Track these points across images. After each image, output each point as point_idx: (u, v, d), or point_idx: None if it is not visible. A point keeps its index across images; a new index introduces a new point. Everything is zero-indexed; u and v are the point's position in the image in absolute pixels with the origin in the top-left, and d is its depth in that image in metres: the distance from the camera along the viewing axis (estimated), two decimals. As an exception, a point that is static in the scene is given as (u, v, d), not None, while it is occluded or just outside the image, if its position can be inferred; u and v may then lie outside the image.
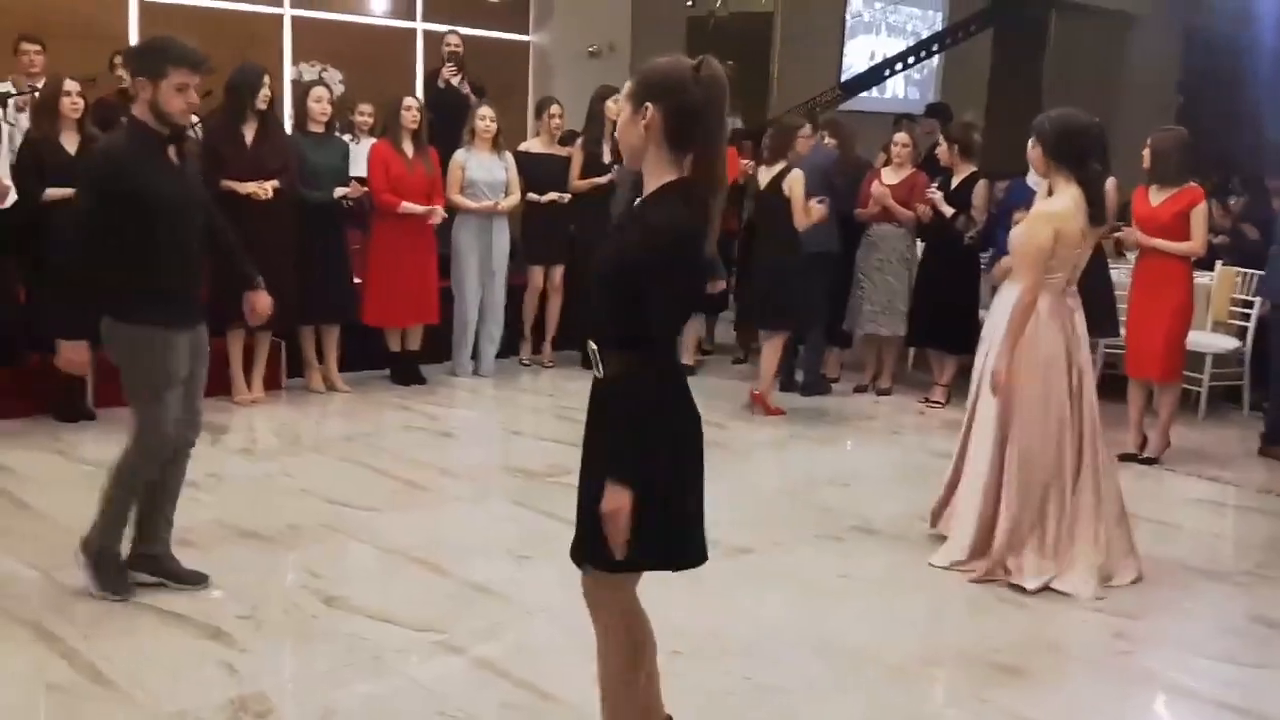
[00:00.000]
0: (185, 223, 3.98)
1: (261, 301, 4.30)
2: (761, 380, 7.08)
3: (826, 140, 7.80)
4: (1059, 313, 4.44)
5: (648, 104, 2.58)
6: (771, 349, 7.03)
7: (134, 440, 3.99)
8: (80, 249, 3.89)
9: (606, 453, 2.63)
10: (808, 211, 6.72)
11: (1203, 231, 6.10)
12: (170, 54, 3.88)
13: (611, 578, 2.72)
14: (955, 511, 4.73)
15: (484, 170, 7.36)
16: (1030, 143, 4.49)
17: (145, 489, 4.07)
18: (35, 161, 5.86)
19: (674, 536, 2.69)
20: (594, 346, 2.68)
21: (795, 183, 6.80)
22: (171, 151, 3.99)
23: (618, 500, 2.53)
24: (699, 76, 2.59)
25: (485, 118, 7.42)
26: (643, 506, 2.55)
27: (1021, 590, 4.36)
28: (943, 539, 4.76)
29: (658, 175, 2.63)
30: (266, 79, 6.49)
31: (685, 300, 2.71)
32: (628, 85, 2.67)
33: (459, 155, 7.32)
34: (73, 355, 3.99)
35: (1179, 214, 6.04)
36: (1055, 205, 4.39)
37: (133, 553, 4.13)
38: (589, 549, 2.69)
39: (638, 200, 2.68)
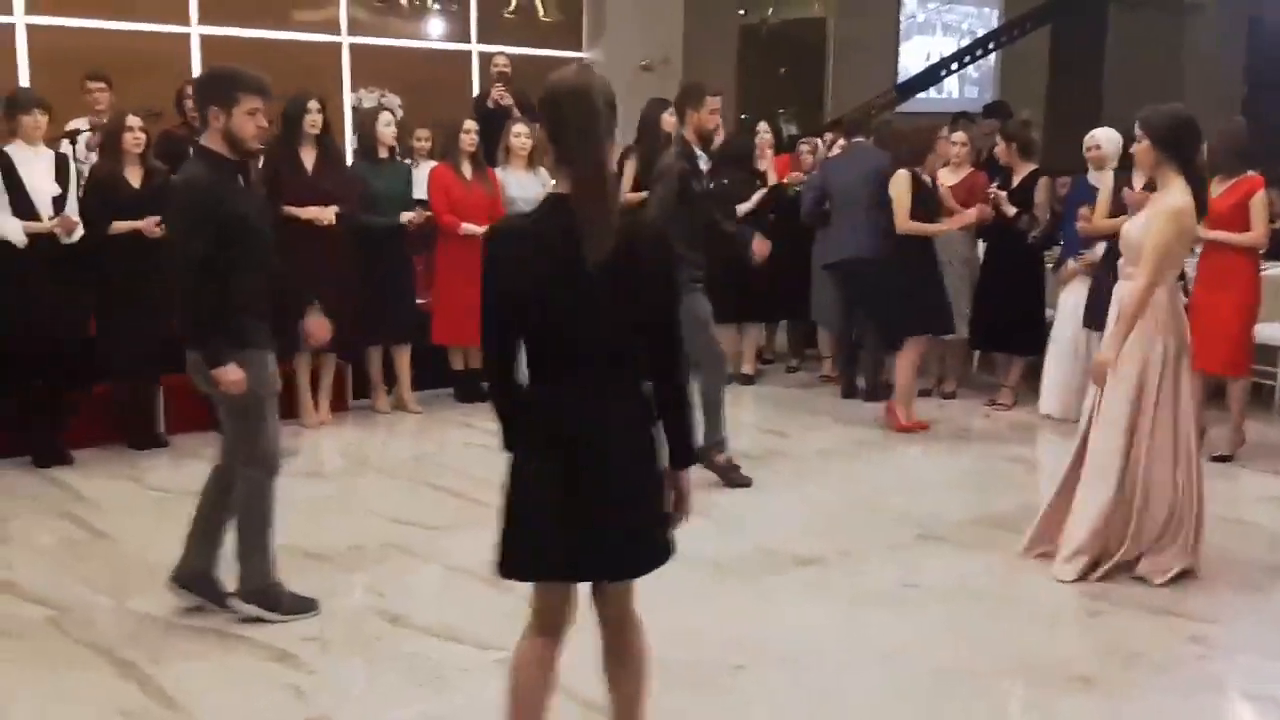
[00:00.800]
0: (265, 245, 4.07)
1: (319, 325, 4.37)
2: (899, 393, 6.84)
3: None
4: (1175, 308, 4.44)
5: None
6: (905, 361, 6.79)
7: (250, 464, 4.05)
8: (192, 281, 3.91)
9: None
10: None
11: (1263, 220, 5.95)
12: (240, 81, 3.97)
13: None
14: (1074, 518, 4.58)
15: (521, 188, 7.29)
16: (1136, 137, 4.43)
17: (265, 510, 4.11)
18: (100, 196, 5.98)
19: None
20: None
21: (899, 185, 6.67)
22: (240, 178, 4.08)
23: None
24: (563, 84, 2.63)
25: (520, 134, 7.38)
26: None
27: (1102, 596, 4.30)
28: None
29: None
30: (313, 105, 6.50)
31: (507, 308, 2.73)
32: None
33: (496, 173, 7.31)
34: (232, 375, 3.91)
35: (1237, 204, 5.91)
36: (1179, 201, 4.33)
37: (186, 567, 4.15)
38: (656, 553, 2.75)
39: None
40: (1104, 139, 6.73)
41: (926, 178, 6.61)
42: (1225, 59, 15.15)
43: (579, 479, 2.64)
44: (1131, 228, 4.53)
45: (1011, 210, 7.15)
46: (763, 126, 8.40)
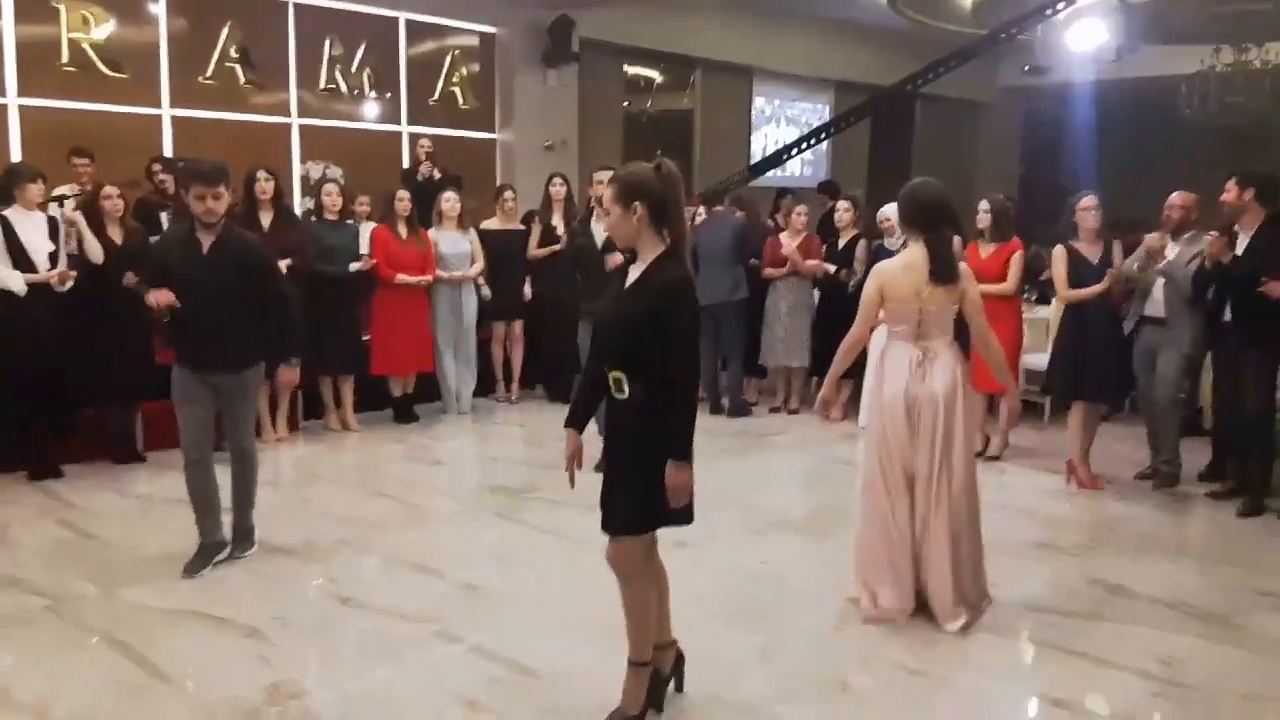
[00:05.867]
0: (204, 297, 4.28)
1: (288, 375, 4.73)
2: (1076, 450, 6.00)
3: (738, 213, 8.02)
4: (903, 360, 3.96)
5: (635, 203, 2.92)
6: (1078, 419, 5.99)
7: (253, 459, 4.60)
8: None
9: (656, 449, 2.90)
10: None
11: (1018, 274, 6.29)
12: (189, 175, 4.35)
13: (638, 539, 3.04)
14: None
15: (451, 245, 7.41)
16: (984, 206, 4.37)
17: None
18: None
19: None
20: (618, 375, 2.95)
21: (1058, 260, 5.95)
22: (206, 242, 4.30)
23: (687, 474, 2.92)
24: (661, 175, 2.96)
25: (449, 200, 7.50)
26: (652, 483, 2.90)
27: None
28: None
29: (650, 249, 2.97)
30: (261, 174, 6.50)
31: (698, 328, 2.97)
32: (612, 189, 2.98)
33: (430, 234, 7.39)
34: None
35: (1004, 262, 6.27)
36: (888, 263, 4.09)
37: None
38: (622, 519, 3.01)
39: (634, 270, 3.00)
40: (892, 213, 7.05)
41: (1079, 247, 5.91)
42: (1006, 145, 15.93)
43: None
44: None
45: (832, 268, 7.53)
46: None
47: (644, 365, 2.90)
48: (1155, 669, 3.63)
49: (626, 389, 2.93)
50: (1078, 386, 5.94)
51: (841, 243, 7.67)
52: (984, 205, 6.34)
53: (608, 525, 3.04)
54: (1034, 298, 8.11)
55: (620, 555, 3.05)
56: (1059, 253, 5.94)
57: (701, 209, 8.46)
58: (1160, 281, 5.70)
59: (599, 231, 5.84)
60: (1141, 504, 5.68)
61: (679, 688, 3.31)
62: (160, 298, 4.32)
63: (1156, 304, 5.75)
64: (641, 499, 2.95)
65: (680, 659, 3.32)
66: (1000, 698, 3.45)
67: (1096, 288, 5.74)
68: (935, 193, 4.00)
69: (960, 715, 3.28)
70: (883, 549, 4.03)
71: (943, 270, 3.90)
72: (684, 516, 3.00)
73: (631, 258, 3.03)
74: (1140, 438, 6.14)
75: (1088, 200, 5.90)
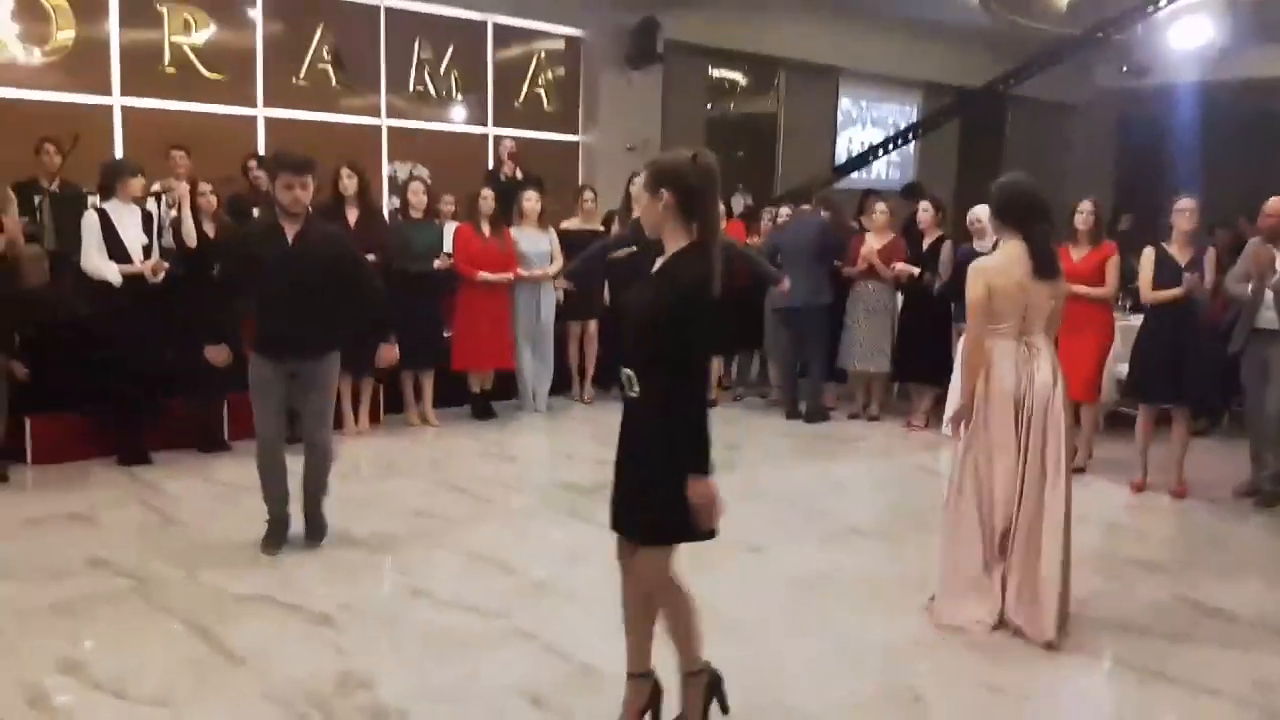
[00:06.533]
0: (287, 285, 4.32)
1: (390, 353, 4.81)
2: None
3: (823, 213, 7.87)
4: (1013, 359, 3.85)
5: (662, 189, 2.73)
6: (1140, 421, 5.90)
7: (328, 451, 4.62)
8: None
9: (670, 455, 2.69)
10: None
11: (1115, 278, 6.03)
12: (278, 162, 4.40)
13: (663, 550, 2.83)
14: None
15: (531, 244, 7.41)
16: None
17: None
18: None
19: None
20: (629, 373, 2.77)
21: (1145, 262, 5.84)
22: (290, 232, 4.37)
23: (707, 489, 2.69)
24: (695, 165, 2.74)
25: (530, 199, 7.49)
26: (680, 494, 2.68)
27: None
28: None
29: (675, 241, 2.76)
30: (344, 171, 6.60)
31: (716, 332, 2.78)
32: (643, 175, 2.82)
33: (511, 232, 7.40)
34: (215, 354, 4.60)
35: (1097, 265, 6.02)
36: (988, 260, 3.95)
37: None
38: (640, 530, 2.83)
39: (660, 260, 2.79)
40: (984, 214, 6.84)
41: (1170, 250, 5.75)
42: (1100, 148, 15.39)
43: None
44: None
45: (916, 271, 7.30)
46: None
47: (654, 363, 2.70)
48: (1253, 695, 3.41)
49: (636, 388, 2.75)
50: (1141, 388, 5.80)
51: (925, 244, 7.46)
52: (1086, 206, 6.07)
53: (623, 529, 2.88)
54: (1129, 305, 7.79)
55: (645, 567, 2.85)
56: (1147, 254, 5.77)
57: (785, 210, 8.34)
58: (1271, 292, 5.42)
59: None
60: (1242, 522, 5.40)
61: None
62: (218, 356, 4.50)
63: (1268, 314, 5.47)
64: (660, 510, 2.73)
65: (657, 692, 3.00)
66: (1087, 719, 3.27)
67: (1175, 291, 5.56)
68: (1029, 187, 3.93)
69: (1041, 735, 3.13)
70: (971, 557, 3.88)
71: (1048, 263, 3.84)
72: (705, 532, 2.77)
73: (652, 248, 2.83)
74: (1241, 456, 5.84)
75: (1185, 202, 5.67)
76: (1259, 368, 5.54)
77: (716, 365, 8.33)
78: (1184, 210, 5.66)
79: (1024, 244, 3.83)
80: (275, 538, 4.55)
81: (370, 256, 6.48)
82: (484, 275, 7.13)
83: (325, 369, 4.50)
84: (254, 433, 4.53)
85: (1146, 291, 5.76)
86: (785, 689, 3.35)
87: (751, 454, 6.67)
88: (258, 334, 4.47)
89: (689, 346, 2.67)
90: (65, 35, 8.01)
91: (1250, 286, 5.51)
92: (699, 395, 2.73)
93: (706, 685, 2.98)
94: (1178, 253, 5.68)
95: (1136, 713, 3.30)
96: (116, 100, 8.24)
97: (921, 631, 3.87)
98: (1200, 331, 5.73)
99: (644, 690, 2.97)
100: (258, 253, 4.40)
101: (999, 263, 3.88)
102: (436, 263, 7.01)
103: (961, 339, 6.62)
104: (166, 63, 8.41)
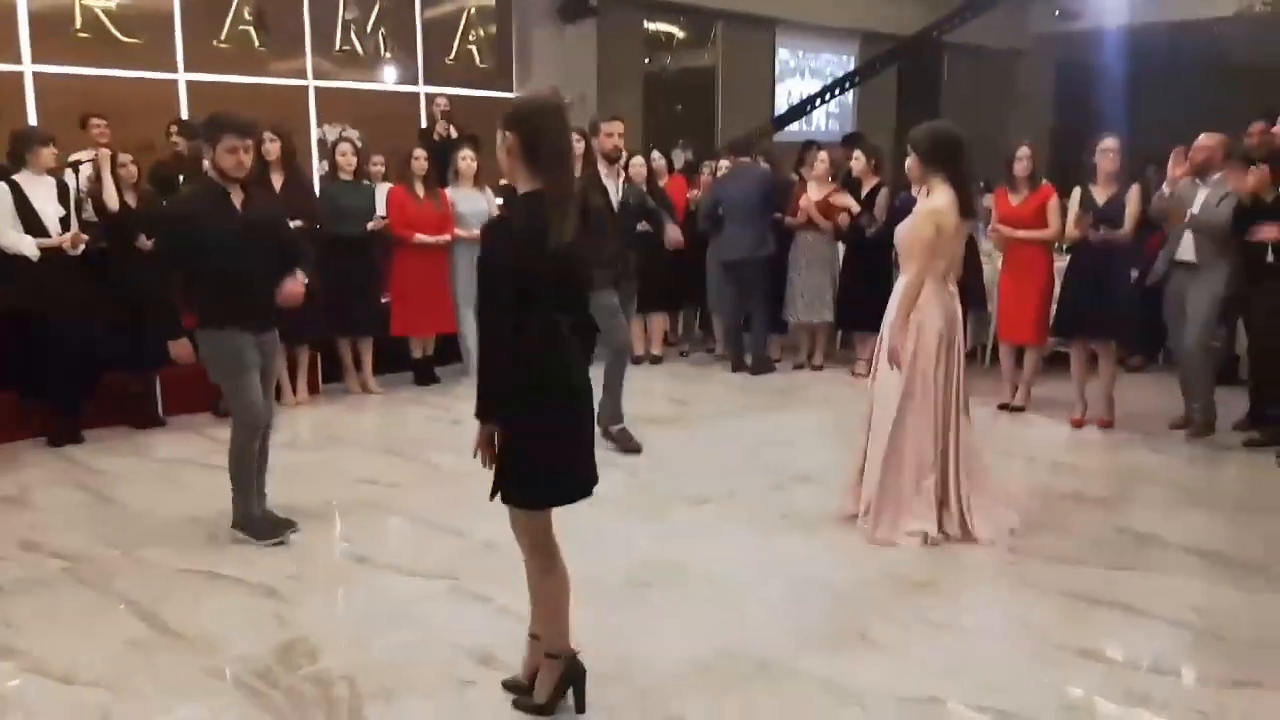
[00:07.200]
0: (225, 249, 4.08)
1: (293, 289, 4.30)
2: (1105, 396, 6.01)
3: (763, 164, 7.85)
4: (941, 297, 4.15)
5: (506, 131, 2.66)
6: (1074, 359, 6.12)
7: (236, 421, 4.26)
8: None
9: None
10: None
11: (1057, 219, 6.10)
12: (221, 124, 4.13)
13: (520, 512, 2.81)
14: (866, 479, 4.37)
15: (469, 204, 7.26)
16: (908, 153, 4.24)
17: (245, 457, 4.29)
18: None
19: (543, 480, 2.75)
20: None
21: (1071, 202, 5.99)
22: (236, 199, 4.16)
23: (483, 433, 2.74)
24: (540, 104, 2.69)
25: (466, 157, 7.33)
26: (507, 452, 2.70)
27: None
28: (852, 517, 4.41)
29: (523, 187, 2.69)
30: (267, 134, 6.34)
31: (519, 283, 2.60)
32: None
33: (448, 193, 7.27)
34: (178, 350, 4.23)
35: (1038, 209, 6.09)
36: (936, 202, 4.11)
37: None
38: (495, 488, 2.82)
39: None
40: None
41: (1093, 190, 5.90)
42: (1038, 95, 15.53)
43: (587, 419, 2.77)
44: (899, 229, 4.30)
45: (856, 206, 7.30)
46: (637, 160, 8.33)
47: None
48: (1192, 619, 3.52)
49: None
50: (1065, 326, 5.99)
51: (864, 192, 7.48)
52: (1024, 151, 6.14)
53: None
54: (1065, 247, 7.90)
55: (512, 525, 2.85)
56: (1074, 194, 5.91)
57: (724, 162, 8.29)
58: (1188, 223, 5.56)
59: (613, 188, 5.62)
60: (1175, 454, 5.54)
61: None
62: (183, 351, 4.21)
63: (1187, 248, 5.58)
64: (500, 467, 2.75)
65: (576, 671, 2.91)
66: (1029, 649, 3.35)
67: (1073, 233, 5.88)
68: (953, 129, 4.11)
69: (988, 668, 3.19)
70: (908, 481, 4.18)
71: (971, 206, 4.06)
72: (535, 499, 2.75)
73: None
74: (1175, 390, 5.98)
75: (1108, 142, 5.81)
76: (1177, 302, 5.67)
77: (662, 321, 8.31)
78: (1107, 150, 5.79)
79: (951, 186, 4.03)
80: (279, 523, 4.37)
81: (297, 222, 6.37)
82: (420, 237, 7.01)
83: (275, 336, 4.38)
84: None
85: (1069, 228, 5.94)
86: (740, 639, 3.37)
87: (700, 408, 6.69)
88: (227, 307, 4.12)
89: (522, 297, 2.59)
90: (-32, 0, 7.68)
91: (1169, 225, 5.66)
92: (482, 341, 2.69)
93: (561, 674, 2.87)
94: (1100, 192, 5.82)
95: (1081, 638, 3.37)
96: (27, 67, 7.93)
97: (868, 574, 3.92)
98: (1122, 268, 5.85)
99: (536, 650, 2.93)
100: (206, 224, 4.08)
101: (946, 204, 4.05)
102: (369, 225, 6.87)
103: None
104: (78, 26, 8.09)
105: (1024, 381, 6.39)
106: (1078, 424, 6.01)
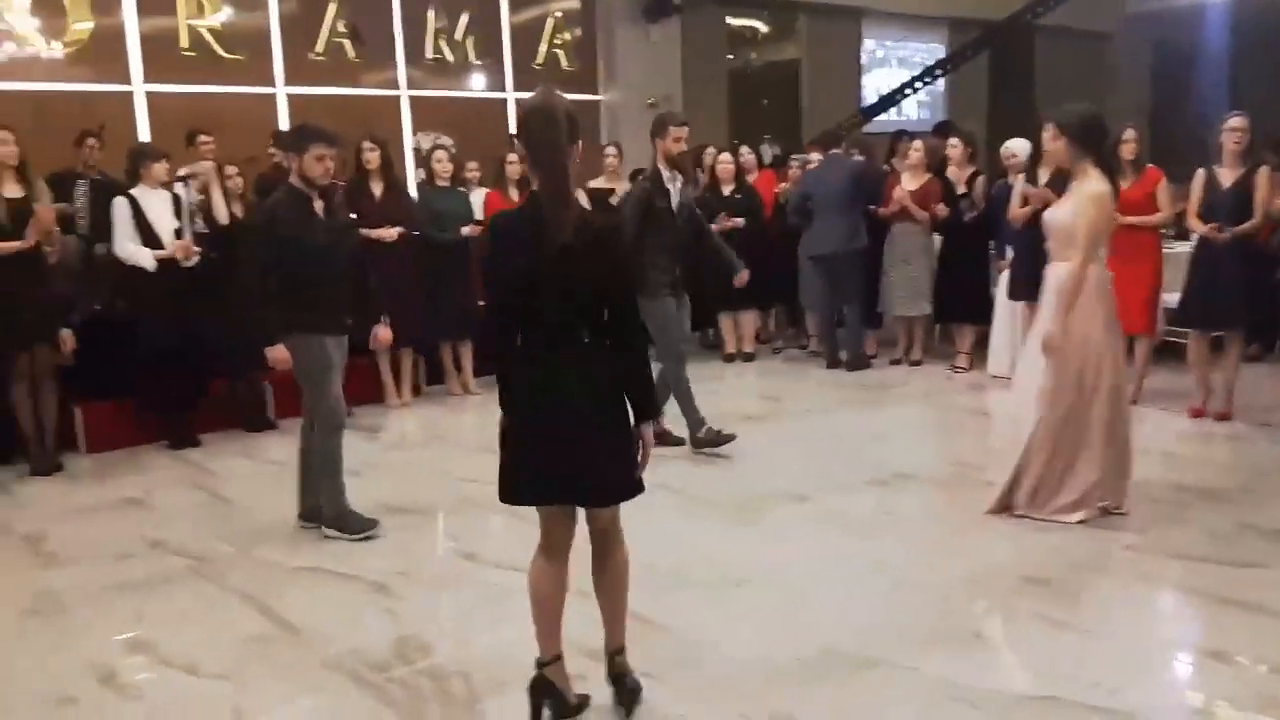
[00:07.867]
0: (317, 257, 4.24)
1: (384, 334, 4.68)
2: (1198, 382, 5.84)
3: (856, 156, 7.75)
4: (1104, 284, 4.13)
5: (516, 139, 2.69)
6: (1194, 350, 5.81)
7: (320, 421, 4.38)
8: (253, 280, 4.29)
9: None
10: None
11: (1169, 204, 5.86)
12: (308, 133, 4.27)
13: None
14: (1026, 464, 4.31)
15: None
16: (1050, 135, 4.10)
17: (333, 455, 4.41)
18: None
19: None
20: None
21: (1194, 185, 5.73)
22: (318, 207, 4.23)
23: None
24: (530, 107, 2.66)
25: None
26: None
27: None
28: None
29: (535, 187, 2.68)
30: (366, 145, 6.57)
31: (502, 284, 2.72)
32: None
33: None
34: (277, 354, 4.31)
35: (1146, 194, 5.86)
36: (1097, 187, 4.04)
37: (306, 507, 4.50)
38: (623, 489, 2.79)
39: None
40: (1018, 148, 6.71)
41: (1218, 172, 5.61)
42: (1135, 77, 15.00)
43: (559, 425, 2.69)
44: (1056, 215, 4.18)
45: (944, 210, 7.14)
46: (710, 152, 8.25)
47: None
48: (1323, 618, 3.35)
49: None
50: (1193, 317, 5.71)
51: (959, 181, 7.32)
52: (1130, 134, 5.90)
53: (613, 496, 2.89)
54: (1172, 233, 7.62)
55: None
56: (1198, 176, 5.61)
57: (815, 154, 8.21)
58: None
59: (675, 191, 5.37)
60: (1300, 446, 5.29)
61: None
62: (280, 357, 4.28)
63: None
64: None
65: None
66: (1152, 650, 3.23)
67: (1205, 228, 5.49)
68: (1101, 114, 4.11)
69: (1110, 668, 3.09)
70: (1064, 461, 4.16)
71: (1117, 189, 4.09)
72: (515, 497, 2.84)
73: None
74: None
75: (1235, 120, 5.49)
76: None
77: (753, 318, 8.26)
78: (1235, 130, 5.47)
79: (1099, 169, 4.02)
80: (363, 517, 4.49)
81: (397, 230, 6.54)
82: (514, 241, 7.09)
83: (346, 339, 4.50)
84: (299, 412, 4.52)
85: (1191, 218, 5.64)
86: (843, 636, 3.33)
87: (794, 405, 6.64)
88: (315, 314, 4.26)
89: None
90: (82, 26, 8.04)
91: None
92: (504, 354, 2.77)
93: (532, 683, 2.89)
94: (1227, 174, 5.52)
95: (1206, 639, 3.25)
96: (138, 87, 8.27)
97: (975, 571, 3.83)
98: (1250, 256, 5.59)
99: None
100: (296, 232, 4.20)
101: (1105, 188, 4.05)
102: (466, 230, 6.99)
103: (1003, 274, 6.51)
104: (185, 46, 8.42)
105: (1136, 373, 6.13)
106: (1198, 414, 5.75)
